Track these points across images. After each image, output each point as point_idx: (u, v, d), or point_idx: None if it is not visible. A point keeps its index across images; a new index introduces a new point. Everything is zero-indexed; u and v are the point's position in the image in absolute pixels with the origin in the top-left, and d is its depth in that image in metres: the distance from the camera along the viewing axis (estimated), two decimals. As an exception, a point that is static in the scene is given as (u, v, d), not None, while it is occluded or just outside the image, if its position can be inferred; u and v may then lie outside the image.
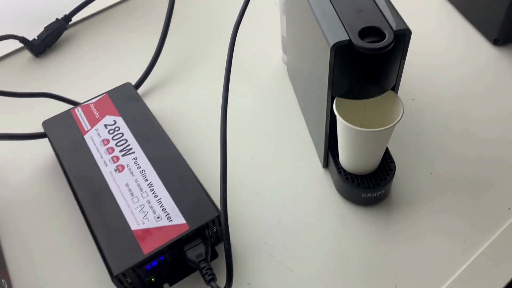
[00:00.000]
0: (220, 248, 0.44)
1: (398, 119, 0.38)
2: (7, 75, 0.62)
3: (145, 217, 0.40)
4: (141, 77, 0.57)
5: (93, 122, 0.48)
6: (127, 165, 0.44)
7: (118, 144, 0.46)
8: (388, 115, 0.41)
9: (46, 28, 0.64)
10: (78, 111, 0.50)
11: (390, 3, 0.38)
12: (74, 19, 0.66)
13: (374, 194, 0.44)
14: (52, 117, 0.50)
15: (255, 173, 0.49)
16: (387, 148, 0.45)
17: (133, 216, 0.41)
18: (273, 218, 0.45)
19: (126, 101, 0.50)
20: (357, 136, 0.38)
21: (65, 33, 0.66)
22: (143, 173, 0.44)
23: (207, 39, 0.63)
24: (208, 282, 0.38)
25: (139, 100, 0.50)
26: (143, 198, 0.42)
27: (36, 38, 0.63)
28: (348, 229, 0.44)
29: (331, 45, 0.35)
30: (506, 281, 0.39)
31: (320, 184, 0.47)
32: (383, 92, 0.39)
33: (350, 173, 0.44)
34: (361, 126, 0.44)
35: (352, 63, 0.36)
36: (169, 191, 0.42)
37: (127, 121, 0.48)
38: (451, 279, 0.40)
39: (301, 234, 0.44)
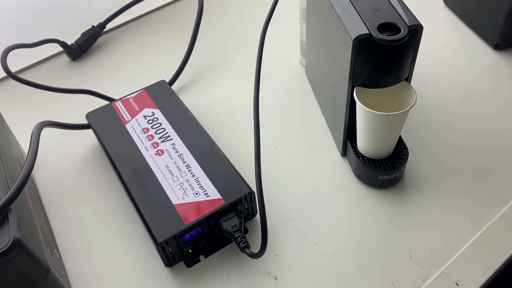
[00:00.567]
0: (250, 225, 0.48)
1: (412, 104, 0.43)
2: (47, 76, 0.67)
3: (184, 193, 0.45)
4: (173, 76, 0.62)
5: (133, 113, 0.53)
6: (166, 149, 0.49)
7: (157, 132, 0.51)
8: (402, 103, 0.46)
9: (83, 34, 0.69)
10: (119, 104, 0.55)
11: (404, 3, 0.43)
12: (108, 26, 0.72)
13: (390, 176, 0.48)
14: (95, 110, 0.55)
15: (279, 161, 0.53)
16: (400, 136, 0.50)
17: (174, 192, 0.45)
18: (296, 199, 0.50)
19: (162, 95, 0.55)
20: (375, 119, 0.43)
21: (100, 39, 0.72)
22: (181, 156, 0.48)
23: (232, 44, 0.69)
24: (242, 249, 0.42)
25: (173, 94, 0.55)
26: (182, 177, 0.46)
27: (74, 43, 0.69)
28: (365, 208, 0.48)
29: (353, 38, 0.40)
30: (510, 252, 0.44)
31: (339, 170, 0.52)
32: (398, 82, 0.44)
33: (367, 158, 0.49)
34: (377, 116, 0.49)
35: (371, 54, 0.42)
36: (205, 172, 0.47)
37: (164, 112, 0.53)
38: (461, 250, 0.44)
39: (323, 213, 0.48)
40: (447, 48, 0.64)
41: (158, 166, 0.48)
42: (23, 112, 0.62)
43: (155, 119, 0.52)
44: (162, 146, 0.50)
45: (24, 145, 0.57)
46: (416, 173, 0.51)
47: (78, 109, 0.62)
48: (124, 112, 0.54)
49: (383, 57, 0.42)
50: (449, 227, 0.46)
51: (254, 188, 0.50)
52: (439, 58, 0.63)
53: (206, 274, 0.45)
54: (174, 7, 0.77)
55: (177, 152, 0.49)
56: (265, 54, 0.67)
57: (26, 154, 0.55)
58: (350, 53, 0.42)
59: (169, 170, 0.47)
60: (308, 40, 0.57)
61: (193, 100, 0.61)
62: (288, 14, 0.73)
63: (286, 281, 0.44)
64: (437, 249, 0.45)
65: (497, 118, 0.55)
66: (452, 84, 0.60)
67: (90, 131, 0.59)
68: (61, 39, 0.68)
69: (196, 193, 0.45)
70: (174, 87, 0.63)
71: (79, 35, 0.70)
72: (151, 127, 0.52)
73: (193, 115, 0.53)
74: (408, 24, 0.40)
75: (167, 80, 0.64)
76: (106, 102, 0.62)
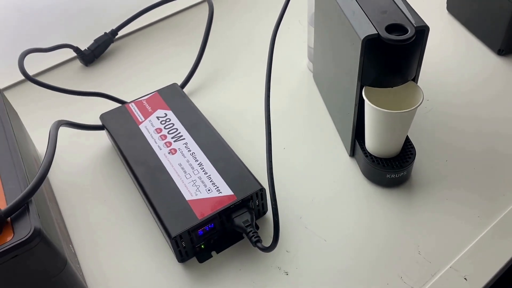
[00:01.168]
0: (261, 222, 0.49)
1: (419, 103, 0.44)
2: (60, 81, 0.69)
3: (197, 190, 0.46)
4: (184, 80, 0.64)
5: (146, 114, 0.55)
6: (178, 148, 0.50)
7: (170, 132, 0.52)
8: (409, 103, 0.47)
9: (96, 40, 0.71)
10: (132, 106, 0.56)
11: (410, 6, 0.45)
12: (120, 33, 0.74)
13: (398, 175, 0.49)
14: (109, 111, 0.56)
15: (288, 161, 0.55)
16: (408, 136, 0.51)
17: (187, 189, 0.46)
18: (305, 198, 0.51)
19: (174, 97, 0.57)
20: (384, 118, 0.45)
21: (112, 45, 0.74)
22: (193, 155, 0.50)
23: (240, 50, 0.71)
24: (254, 243, 0.43)
25: (185, 97, 0.57)
26: (195, 174, 0.48)
27: (87, 48, 0.71)
28: (373, 206, 0.49)
29: (362, 38, 0.42)
30: (517, 248, 0.44)
31: (347, 170, 0.53)
32: (405, 81, 0.45)
33: (375, 157, 0.50)
34: (384, 116, 0.50)
35: (379, 54, 0.43)
36: (217, 169, 0.48)
37: (176, 113, 0.55)
38: (469, 246, 0.45)
39: (332, 211, 0.49)
40: (451, 54, 0.66)
41: (171, 164, 0.49)
42: (36, 114, 0.64)
43: (168, 120, 0.54)
44: (175, 145, 0.51)
45: (38, 145, 0.59)
46: (423, 173, 0.52)
47: (90, 112, 0.63)
48: (137, 113, 0.55)
49: (391, 57, 0.43)
50: (457, 224, 0.47)
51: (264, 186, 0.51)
52: (443, 63, 0.65)
53: (218, 269, 0.45)
54: (184, 16, 0.79)
55: (189, 151, 0.50)
56: (273, 60, 0.69)
57: (44, 152, 0.56)
58: (359, 53, 0.43)
59: (182, 168, 0.48)
60: (316, 45, 0.59)
61: (203, 103, 0.63)
62: (295, 22, 0.75)
63: (296, 276, 0.44)
64: (445, 245, 0.46)
65: (501, 120, 0.57)
66: (456, 88, 0.61)
67: (101, 133, 0.60)
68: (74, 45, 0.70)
69: (209, 190, 0.46)
70: (184, 91, 0.64)
71: (91, 41, 0.71)
72: (164, 127, 0.53)
73: (204, 116, 0.54)
74: (415, 25, 0.42)
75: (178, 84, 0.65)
76: (118, 105, 0.63)
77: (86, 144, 0.59)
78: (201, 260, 0.46)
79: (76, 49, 0.69)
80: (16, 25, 0.71)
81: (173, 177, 0.48)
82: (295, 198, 0.51)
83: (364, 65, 0.44)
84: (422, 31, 0.43)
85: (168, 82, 0.66)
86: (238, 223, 0.44)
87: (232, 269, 0.45)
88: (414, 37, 0.41)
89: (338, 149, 0.55)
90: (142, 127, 0.53)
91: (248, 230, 0.44)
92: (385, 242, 0.46)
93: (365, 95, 0.45)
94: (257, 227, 0.48)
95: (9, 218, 0.36)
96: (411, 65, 0.44)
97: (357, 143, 0.52)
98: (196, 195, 0.46)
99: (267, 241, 0.47)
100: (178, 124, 0.53)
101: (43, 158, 0.41)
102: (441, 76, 0.63)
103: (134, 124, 0.54)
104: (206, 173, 0.48)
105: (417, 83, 0.47)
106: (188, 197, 0.46)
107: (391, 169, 0.49)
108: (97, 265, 0.47)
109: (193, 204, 0.45)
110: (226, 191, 0.46)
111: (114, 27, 0.73)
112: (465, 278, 0.43)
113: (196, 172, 0.48)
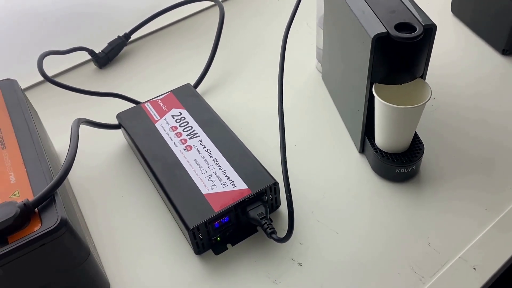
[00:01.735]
0: (274, 216, 0.50)
1: (428, 98, 0.45)
2: (76, 82, 0.71)
3: (213, 184, 0.48)
4: (196, 81, 0.65)
5: (161, 113, 0.57)
6: (194, 145, 0.52)
7: (185, 130, 0.54)
8: (417, 99, 0.49)
9: (110, 44, 0.73)
10: (148, 105, 0.58)
11: (417, 5, 0.46)
12: (133, 36, 0.76)
13: (407, 169, 0.51)
14: (125, 110, 0.58)
15: (299, 157, 0.56)
16: (416, 132, 0.53)
17: (203, 183, 0.48)
18: (317, 193, 0.52)
19: (188, 97, 0.59)
20: (393, 113, 0.46)
21: (125, 48, 0.76)
22: (208, 151, 0.51)
23: (251, 51, 0.73)
24: (269, 235, 0.45)
25: (198, 96, 0.59)
26: (210, 170, 0.49)
27: (101, 51, 0.73)
28: (384, 200, 0.51)
29: (372, 36, 0.44)
30: (525, 239, 0.46)
31: (357, 166, 0.54)
32: (414, 78, 0.47)
33: (385, 152, 0.51)
34: (393, 113, 0.52)
35: (388, 52, 0.45)
36: (232, 165, 0.49)
37: (191, 112, 0.56)
38: (478, 237, 0.46)
39: (343, 205, 0.51)
40: (456, 55, 0.68)
41: (187, 160, 0.50)
42: (53, 114, 0.66)
43: (183, 118, 0.55)
44: (190, 142, 0.52)
45: (56, 144, 0.60)
46: (431, 167, 0.53)
47: (106, 112, 0.65)
48: (153, 112, 0.57)
49: (400, 55, 0.45)
50: (465, 216, 0.48)
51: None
52: (448, 64, 0.66)
53: (233, 261, 0.47)
54: (195, 19, 0.81)
55: (204, 147, 0.52)
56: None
57: (61, 150, 0.58)
58: (369, 51, 0.45)
59: (198, 164, 0.50)
60: (325, 46, 0.61)
61: (215, 102, 0.65)
62: (303, 24, 0.77)
63: (310, 267, 0.46)
64: (454, 236, 0.47)
65: (506, 117, 0.58)
66: (462, 88, 0.63)
67: (115, 132, 0.62)
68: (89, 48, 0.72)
69: (224, 184, 0.48)
70: (197, 91, 0.66)
71: (105, 45, 0.73)
72: (179, 125, 0.55)
73: (217, 115, 0.56)
74: (423, 24, 0.44)
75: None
76: (133, 105, 0.65)
77: (102, 143, 0.61)
78: (217, 252, 0.48)
79: (91, 52, 0.71)
80: (33, 29, 0.73)
81: (189, 172, 0.49)
82: (307, 193, 0.52)
83: (374, 63, 0.46)
84: (430, 29, 0.44)
85: (181, 83, 0.68)
86: (253, 215, 0.46)
87: (247, 261, 0.47)
88: (422, 35, 0.43)
89: (348, 146, 0.57)
90: (158, 125, 0.55)
91: (263, 222, 0.45)
92: (395, 234, 0.48)
93: (375, 92, 0.47)
94: (271, 221, 0.50)
95: (36, 209, 0.38)
96: (419, 63, 0.46)
97: (366, 140, 0.53)
98: (212, 189, 0.47)
99: (281, 234, 0.49)
100: (192, 122, 0.55)
101: (62, 154, 0.42)
102: (447, 77, 0.65)
103: (150, 123, 0.56)
104: (221, 168, 0.49)
105: (424, 80, 0.49)
106: (204, 191, 0.47)
107: (400, 164, 0.50)
108: (116, 257, 0.49)
109: (209, 197, 0.47)
110: (241, 185, 0.47)
111: (127, 31, 0.75)
112: (474, 268, 0.44)
113: (211, 167, 0.49)
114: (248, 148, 0.58)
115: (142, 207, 0.53)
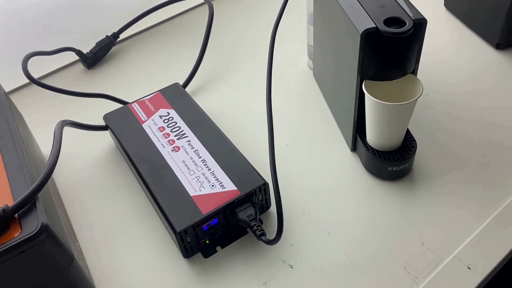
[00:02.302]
0: (265, 218, 0.49)
1: (419, 94, 0.44)
2: (64, 83, 0.69)
3: (201, 186, 0.47)
4: (186, 80, 0.64)
5: (149, 114, 0.55)
6: (182, 146, 0.51)
7: (173, 130, 0.53)
8: (409, 95, 0.48)
9: (97, 44, 0.72)
10: (135, 106, 0.57)
11: (408, 0, 0.45)
12: (122, 36, 0.75)
13: (399, 167, 0.50)
14: (112, 111, 0.57)
15: (290, 157, 0.55)
16: (408, 129, 0.52)
17: (191, 185, 0.47)
18: (308, 192, 0.51)
19: (176, 96, 0.57)
20: (384, 110, 0.45)
21: (113, 48, 0.74)
22: (196, 152, 0.50)
23: (240, 49, 0.71)
24: (259, 236, 0.44)
25: (187, 95, 0.58)
26: (198, 171, 0.48)
27: (89, 52, 0.71)
28: (376, 199, 0.50)
29: (361, 32, 0.43)
30: (520, 237, 0.45)
31: (349, 165, 0.53)
32: (405, 74, 0.46)
33: (377, 150, 0.50)
34: (384, 110, 0.51)
35: (378, 47, 0.44)
36: (220, 165, 0.48)
37: (179, 112, 0.55)
38: (472, 236, 0.45)
39: (335, 205, 0.50)
40: (449, 49, 0.67)
41: (175, 161, 0.49)
42: (40, 116, 0.64)
43: (171, 118, 0.54)
44: (178, 143, 0.51)
45: (42, 147, 0.59)
46: (424, 165, 0.52)
47: (93, 114, 0.64)
48: (140, 112, 0.56)
49: (389, 50, 0.44)
50: (459, 215, 0.47)
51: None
52: (442, 59, 0.65)
53: (223, 264, 0.46)
54: (184, 18, 0.80)
55: (192, 148, 0.51)
56: (274, 59, 0.69)
57: (48, 153, 0.57)
58: (358, 47, 0.44)
59: (186, 165, 0.49)
60: (316, 43, 0.59)
61: (204, 102, 0.63)
62: (295, 21, 0.76)
63: (301, 268, 0.45)
64: (448, 235, 0.46)
65: (500, 113, 0.57)
66: (455, 83, 0.62)
67: (104, 133, 0.60)
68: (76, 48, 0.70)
69: (212, 185, 0.47)
70: (186, 90, 0.65)
71: (93, 45, 0.72)
72: (167, 126, 0.53)
73: (206, 114, 0.55)
74: (413, 18, 0.42)
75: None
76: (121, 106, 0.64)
77: (90, 145, 0.59)
78: (206, 255, 0.47)
79: (78, 52, 0.70)
80: (18, 29, 0.72)
81: (177, 174, 0.48)
82: (298, 193, 0.51)
83: (364, 59, 0.45)
84: (420, 24, 0.43)
85: (170, 83, 0.67)
86: (242, 217, 0.45)
87: (237, 264, 0.46)
88: (412, 30, 0.42)
89: (340, 144, 0.56)
90: (145, 126, 0.54)
91: (252, 224, 0.44)
92: (388, 234, 0.47)
93: (365, 88, 0.46)
94: (261, 222, 0.49)
95: (16, 214, 0.37)
96: (410, 58, 0.45)
97: (358, 138, 0.52)
98: (200, 190, 0.46)
99: (271, 236, 0.48)
100: (180, 122, 0.54)
101: (48, 157, 0.41)
102: (440, 71, 0.63)
103: (137, 124, 0.54)
104: (209, 169, 0.48)
105: (416, 76, 0.48)
106: (192, 193, 0.46)
107: (392, 161, 0.49)
108: (103, 261, 0.47)
109: (197, 199, 0.46)
110: (230, 186, 0.46)
111: (115, 30, 0.74)
112: (468, 267, 0.43)
113: (199, 168, 0.48)
114: (239, 148, 0.56)
115: (130, 210, 0.52)
